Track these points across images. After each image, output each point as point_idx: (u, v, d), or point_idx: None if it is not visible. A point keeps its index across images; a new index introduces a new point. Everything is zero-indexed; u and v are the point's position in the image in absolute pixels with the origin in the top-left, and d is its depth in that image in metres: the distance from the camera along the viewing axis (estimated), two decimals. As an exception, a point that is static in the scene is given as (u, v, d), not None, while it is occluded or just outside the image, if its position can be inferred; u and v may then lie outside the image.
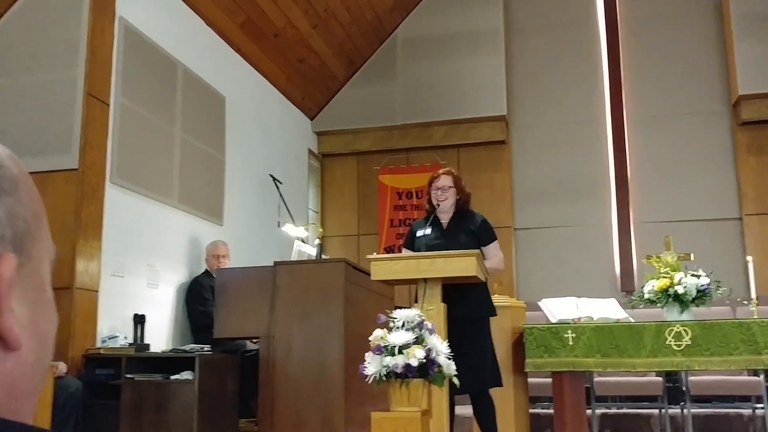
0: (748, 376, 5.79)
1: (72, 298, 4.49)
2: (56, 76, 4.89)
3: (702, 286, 4.78)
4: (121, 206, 5.11)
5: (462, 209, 4.21)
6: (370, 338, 3.20)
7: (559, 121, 8.56)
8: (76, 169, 4.71)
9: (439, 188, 4.14)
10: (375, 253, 3.98)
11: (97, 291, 4.75)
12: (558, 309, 5.04)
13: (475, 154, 8.64)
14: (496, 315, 4.14)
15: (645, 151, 8.29)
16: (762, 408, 5.69)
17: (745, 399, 5.96)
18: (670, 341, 4.57)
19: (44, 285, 0.57)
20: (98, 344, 4.67)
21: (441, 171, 4.27)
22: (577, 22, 8.71)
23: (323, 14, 7.65)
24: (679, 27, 8.42)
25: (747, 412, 5.98)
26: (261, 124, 7.56)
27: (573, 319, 4.90)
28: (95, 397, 4.50)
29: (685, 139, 8.19)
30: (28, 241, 0.55)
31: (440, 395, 3.51)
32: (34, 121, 4.85)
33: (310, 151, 8.90)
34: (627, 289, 7.84)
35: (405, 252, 4.21)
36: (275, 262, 5.07)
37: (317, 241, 5.87)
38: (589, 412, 5.65)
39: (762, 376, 5.58)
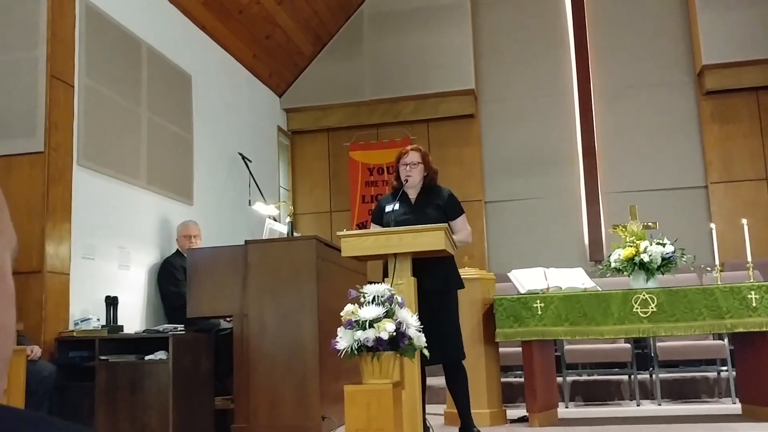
0: (714, 340, 5.94)
1: (43, 282, 4.47)
2: (17, 58, 4.81)
3: (667, 254, 4.89)
4: (89, 188, 5.07)
5: (429, 185, 4.26)
6: (342, 313, 3.25)
7: (527, 93, 8.61)
8: (42, 152, 4.65)
9: (407, 164, 4.19)
10: (346, 230, 4.01)
11: (68, 274, 4.72)
12: (527, 280, 5.13)
13: (445, 129, 8.67)
14: (463, 288, 4.20)
15: (612, 122, 8.39)
16: (726, 371, 5.86)
17: (710, 363, 6.12)
18: (637, 308, 4.68)
19: (5, 276, 0.58)
20: (71, 327, 4.66)
21: (409, 147, 4.31)
22: (544, -5, 8.74)
23: (289, -10, 7.59)
24: (643, -2, 8.49)
25: (712, 375, 6.14)
26: (228, 102, 7.51)
27: (541, 289, 5.00)
28: (69, 379, 4.50)
29: (651, 109, 8.30)
30: None
31: (412, 367, 3.57)
32: (-4, 103, 4.78)
33: (279, 129, 8.87)
34: (596, 258, 7.97)
35: (373, 227, 4.25)
36: (246, 241, 5.08)
37: (288, 219, 5.88)
38: (560, 379, 5.77)
39: (726, 340, 5.74)
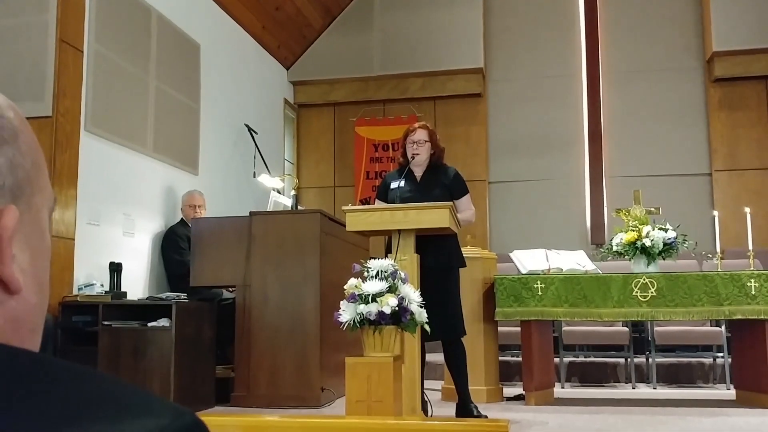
0: (711, 326, 5.99)
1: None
2: (27, 21, 4.81)
3: (669, 239, 4.92)
4: (96, 154, 5.09)
5: (436, 163, 4.27)
6: (345, 287, 3.28)
7: (536, 74, 8.59)
8: (49, 117, 4.66)
9: (414, 142, 4.19)
10: (350, 205, 4.03)
11: (73, 239, 4.76)
12: (528, 260, 5.16)
13: (452, 107, 8.66)
14: (465, 266, 4.23)
15: (619, 106, 8.37)
16: (722, 357, 5.91)
17: (706, 348, 6.17)
18: (636, 292, 4.72)
19: (44, 233, 0.60)
20: (75, 292, 4.71)
21: (417, 125, 4.31)
22: (556, -25, 8.68)
23: (300, -38, 7.54)
24: (656, -19, 8.43)
25: (708, 360, 6.20)
26: (236, 72, 7.50)
27: (542, 270, 5.03)
28: (73, 343, 4.55)
29: (659, 94, 8.28)
30: (29, 189, 0.57)
31: (412, 342, 3.61)
32: (4, 67, 4.78)
33: (286, 101, 8.86)
34: (597, 241, 8.00)
35: (378, 203, 4.27)
36: (251, 212, 5.11)
37: (293, 192, 5.91)
38: (557, 360, 5.82)
39: (723, 327, 5.78)
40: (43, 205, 0.60)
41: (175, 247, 5.68)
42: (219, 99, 7.03)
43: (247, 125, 7.41)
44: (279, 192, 6.71)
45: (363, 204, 8.22)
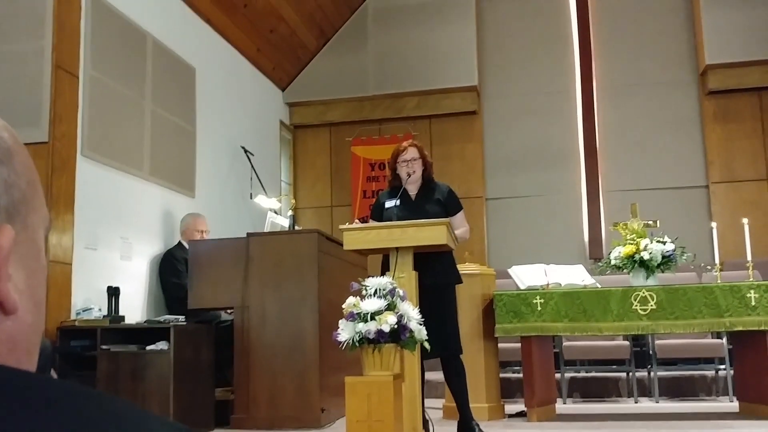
0: (712, 338, 5.97)
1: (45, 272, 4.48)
2: (23, 48, 4.83)
3: (667, 252, 4.91)
4: (92, 179, 5.09)
5: (428, 179, 4.28)
6: (343, 306, 3.27)
7: (530, 91, 8.62)
8: (46, 142, 4.67)
9: (406, 161, 4.19)
10: (348, 224, 4.03)
11: (70, 264, 4.75)
12: (527, 276, 5.15)
13: (447, 125, 8.69)
14: (462, 283, 4.23)
15: (614, 120, 8.40)
16: (724, 369, 5.89)
17: (708, 361, 6.15)
18: (636, 306, 4.70)
19: (39, 252, 0.59)
20: (73, 317, 4.69)
21: (406, 144, 4.31)
22: (548, -8, 8.74)
23: (293, -16, 7.60)
24: (647, -3, 8.50)
25: (710, 373, 6.17)
26: (232, 95, 7.53)
27: (541, 286, 5.02)
28: (71, 368, 4.52)
29: (654, 108, 8.31)
30: (24, 209, 0.57)
31: (412, 360, 3.59)
32: (1, 93, 4.79)
33: (282, 123, 8.88)
34: (596, 256, 7.99)
35: (373, 224, 4.27)
36: (248, 234, 5.10)
37: (290, 213, 5.90)
38: (558, 375, 5.80)
39: (724, 339, 5.76)
40: (39, 225, 0.60)
41: (173, 270, 5.66)
42: (215, 121, 7.05)
43: (243, 147, 7.43)
44: (276, 213, 6.71)
45: (361, 222, 8.20)
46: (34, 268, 0.58)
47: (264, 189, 7.34)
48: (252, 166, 7.38)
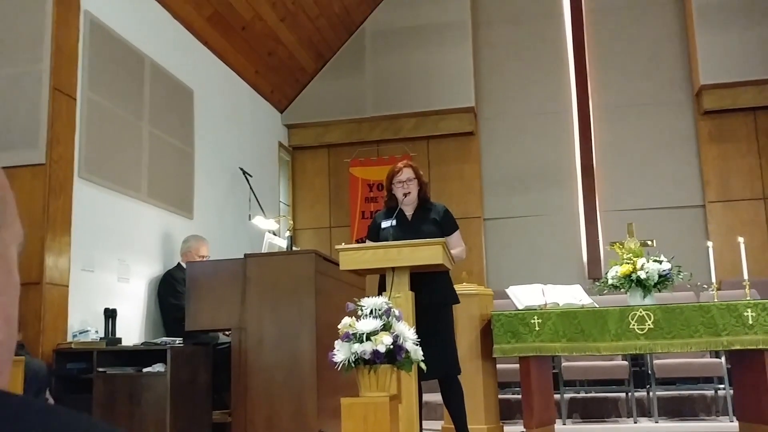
0: (710, 358, 5.95)
1: (42, 294, 4.49)
2: (21, 71, 4.86)
3: (664, 271, 4.90)
4: (89, 201, 5.10)
5: (424, 199, 4.29)
6: (339, 326, 3.26)
7: (527, 111, 8.67)
8: (43, 164, 4.69)
9: (402, 182, 4.20)
10: (344, 244, 4.03)
11: (67, 286, 4.74)
12: (525, 296, 5.14)
13: (444, 146, 8.72)
14: (459, 302, 4.22)
15: (610, 140, 8.44)
16: (723, 388, 5.86)
17: (707, 380, 6.12)
18: (634, 325, 4.69)
19: (11, 268, 0.59)
20: (69, 339, 4.67)
21: (401, 165, 4.31)
22: (543, 14, 8.82)
23: (291, 7, 7.66)
24: (642, 18, 8.57)
25: (710, 393, 6.14)
26: (230, 117, 7.56)
27: (539, 306, 5.01)
28: (67, 391, 4.50)
29: (649, 128, 8.35)
30: None
31: (409, 381, 3.58)
32: (-1, 115, 4.82)
33: (281, 144, 8.91)
34: (594, 276, 7.98)
35: (369, 244, 4.27)
36: (246, 255, 5.10)
37: (288, 234, 5.91)
38: (557, 396, 5.77)
39: (723, 358, 5.75)
40: (11, 241, 0.59)
41: (172, 291, 5.65)
42: (213, 143, 7.08)
43: (241, 169, 7.45)
44: (274, 234, 6.71)
45: (360, 243, 8.21)
46: (4, 284, 0.57)
47: (262, 210, 7.35)
48: (250, 188, 7.39)
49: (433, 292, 3.95)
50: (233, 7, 6.94)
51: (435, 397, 5.00)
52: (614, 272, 4.99)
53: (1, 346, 0.56)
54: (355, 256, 3.79)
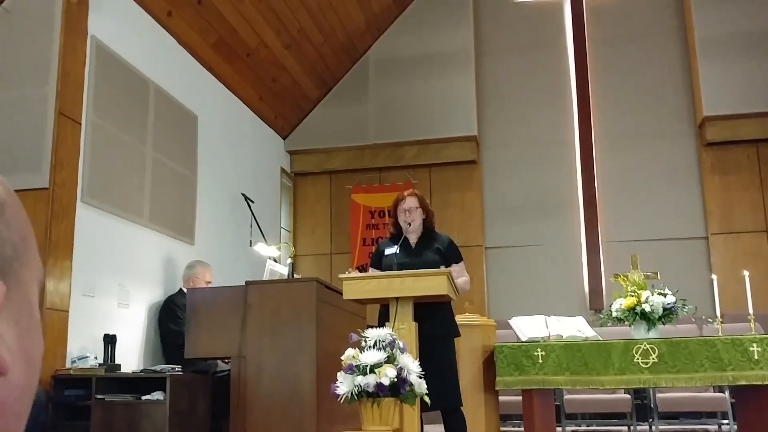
0: (714, 392, 5.89)
1: (41, 319, 4.44)
2: (27, 94, 4.87)
3: (668, 304, 4.87)
4: (91, 225, 5.08)
5: (429, 228, 4.27)
6: (342, 357, 3.23)
7: (529, 141, 8.68)
8: (46, 188, 4.68)
9: (406, 210, 4.19)
10: (348, 272, 4.00)
11: (67, 311, 4.70)
12: (528, 327, 5.10)
13: (447, 174, 8.72)
14: (460, 336, 4.19)
15: (613, 171, 8.43)
16: (727, 424, 5.80)
17: (711, 415, 6.06)
18: (638, 359, 4.64)
19: (32, 309, 0.57)
20: (68, 365, 4.63)
21: (405, 193, 4.31)
22: (546, 44, 8.87)
23: (296, 34, 7.71)
24: (645, 49, 8.62)
25: (713, 428, 6.07)
26: (233, 143, 7.57)
27: (542, 338, 4.97)
28: (65, 418, 4.45)
29: (652, 159, 8.35)
30: (17, 264, 0.55)
31: (412, 414, 3.53)
32: (3, 138, 4.82)
33: (283, 170, 8.92)
34: (596, 307, 7.94)
35: (372, 272, 4.24)
36: (246, 282, 5.06)
37: (289, 260, 5.88)
38: (559, 429, 5.70)
39: (727, 393, 5.69)
40: (32, 281, 0.57)
41: (173, 317, 5.61)
42: (216, 169, 7.07)
43: (243, 194, 7.44)
44: (275, 260, 6.68)
45: (360, 271, 8.18)
46: (26, 325, 0.56)
47: (264, 236, 7.33)
48: (252, 213, 7.38)
49: (435, 323, 3.92)
50: (238, 34, 6.98)
51: (437, 429, 4.94)
52: (618, 305, 4.95)
53: (22, 391, 0.54)
54: (358, 286, 3.76)
